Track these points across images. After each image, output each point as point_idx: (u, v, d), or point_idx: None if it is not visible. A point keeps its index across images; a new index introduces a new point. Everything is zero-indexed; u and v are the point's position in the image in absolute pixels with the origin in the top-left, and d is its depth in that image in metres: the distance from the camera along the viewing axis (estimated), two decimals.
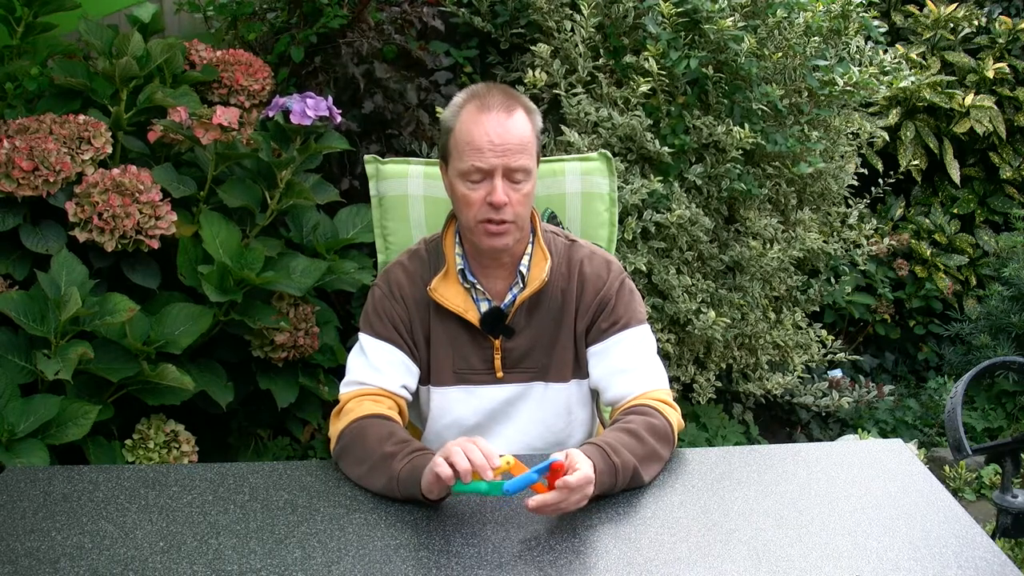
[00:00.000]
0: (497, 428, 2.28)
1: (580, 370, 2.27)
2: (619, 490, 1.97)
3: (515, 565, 1.71)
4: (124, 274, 2.98)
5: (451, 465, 1.81)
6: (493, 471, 1.81)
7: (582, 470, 1.84)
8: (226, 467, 2.08)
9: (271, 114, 3.13)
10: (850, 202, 4.33)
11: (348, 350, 2.29)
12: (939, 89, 4.84)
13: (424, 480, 1.88)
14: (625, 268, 2.33)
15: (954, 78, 4.96)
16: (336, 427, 2.13)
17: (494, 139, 2.07)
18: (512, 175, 2.10)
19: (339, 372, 2.31)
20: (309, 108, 3.07)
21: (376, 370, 2.19)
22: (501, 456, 1.84)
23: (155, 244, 2.91)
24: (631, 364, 2.20)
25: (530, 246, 2.24)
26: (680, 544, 1.77)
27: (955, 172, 4.93)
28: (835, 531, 1.82)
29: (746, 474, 2.04)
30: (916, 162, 4.82)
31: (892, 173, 4.61)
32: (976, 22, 5.03)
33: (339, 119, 3.16)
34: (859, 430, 4.27)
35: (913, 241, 4.95)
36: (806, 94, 3.95)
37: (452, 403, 2.26)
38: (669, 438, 2.10)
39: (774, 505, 1.91)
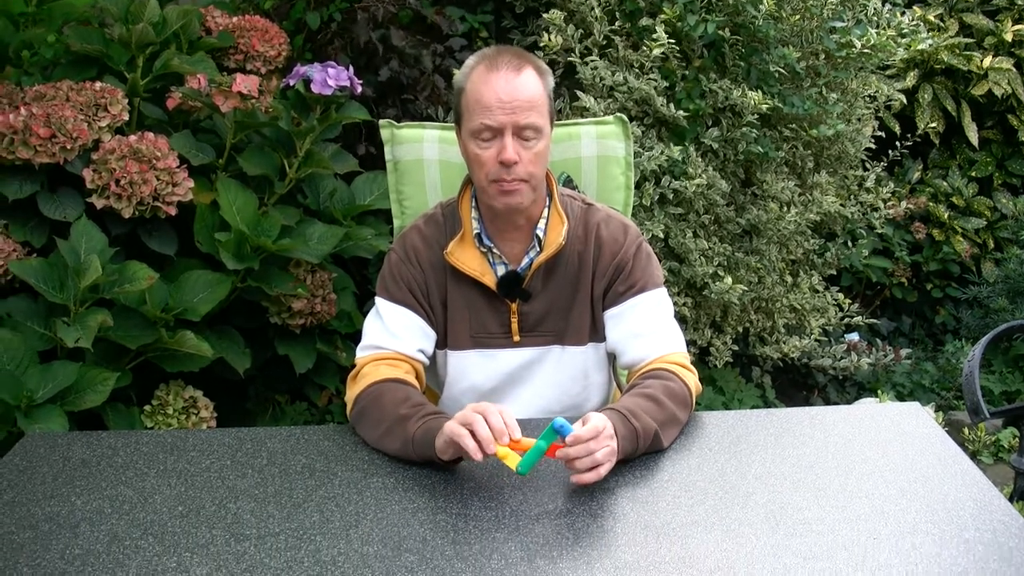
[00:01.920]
0: (514, 392, 2.27)
1: (597, 334, 2.26)
2: (640, 454, 1.96)
3: (532, 528, 1.70)
4: (141, 241, 2.98)
5: (471, 433, 1.80)
6: (517, 443, 1.80)
7: (592, 421, 1.82)
8: (244, 432, 2.08)
9: (292, 83, 3.10)
10: (867, 165, 4.31)
11: (365, 316, 2.27)
12: (957, 51, 4.79)
13: (439, 440, 1.87)
14: (642, 232, 2.31)
15: (972, 40, 4.91)
16: (353, 391, 2.13)
17: (502, 96, 2.04)
18: (522, 132, 2.06)
19: (356, 338, 2.30)
20: (330, 78, 3.05)
21: (393, 334, 2.17)
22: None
23: (172, 211, 2.90)
24: (648, 328, 2.19)
25: (546, 209, 2.21)
26: (697, 507, 1.76)
27: (973, 135, 4.89)
28: (852, 494, 1.80)
29: (763, 437, 2.03)
30: (934, 125, 4.79)
31: (909, 136, 4.58)
32: None
33: (359, 89, 3.13)
34: (877, 393, 4.26)
35: (930, 204, 4.92)
36: (823, 56, 3.90)
37: (469, 367, 2.25)
38: (687, 401, 2.09)
39: (791, 468, 1.90)
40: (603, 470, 1.83)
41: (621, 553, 1.63)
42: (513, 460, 1.78)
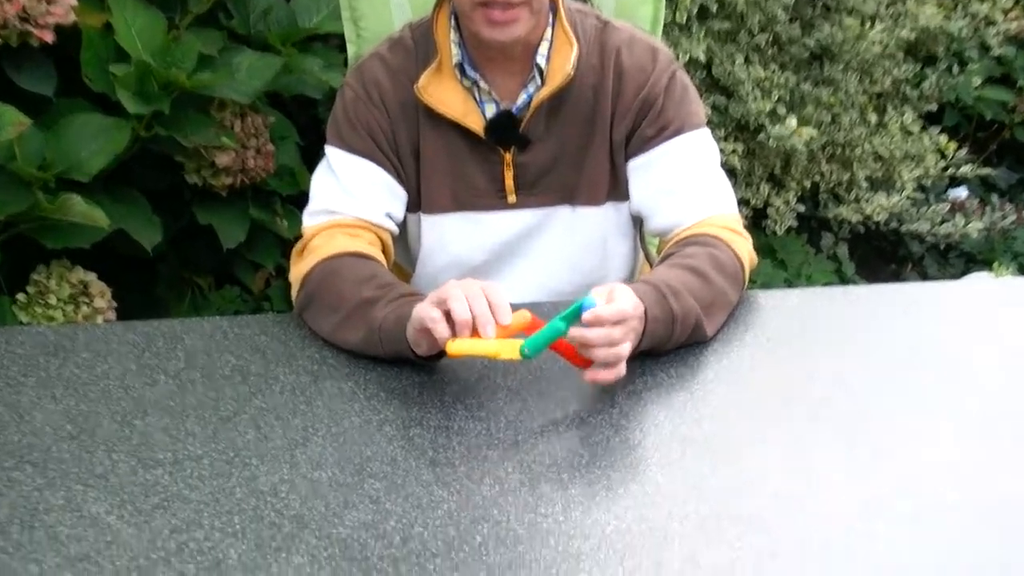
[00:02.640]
0: (509, 267, 2.26)
1: (618, 190, 2.23)
2: (673, 346, 1.95)
3: (535, 445, 1.69)
4: (7, 77, 2.93)
5: (447, 315, 1.77)
6: (505, 329, 1.77)
7: (619, 302, 1.79)
8: (154, 326, 2.07)
9: None
10: None
11: (312, 172, 2.24)
12: None
13: (409, 329, 1.85)
14: (677, 58, 2.28)
15: None
16: (300, 269, 2.10)
17: None
18: None
19: (301, 201, 2.29)
20: None
21: (350, 195, 2.15)
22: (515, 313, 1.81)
23: (48, 37, 2.83)
24: (686, 182, 2.16)
25: (549, 30, 2.16)
26: (751, 417, 1.76)
27: None
28: (957, 396, 1.80)
29: (839, 324, 2.03)
30: None
31: None
32: None
33: None
34: (992, 266, 4.26)
35: None
36: None
37: (451, 236, 2.24)
38: (739, 277, 2.07)
39: (876, 366, 1.90)
40: (623, 368, 1.81)
41: (652, 474, 1.63)
42: (510, 349, 1.73)
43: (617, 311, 1.77)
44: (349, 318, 1.97)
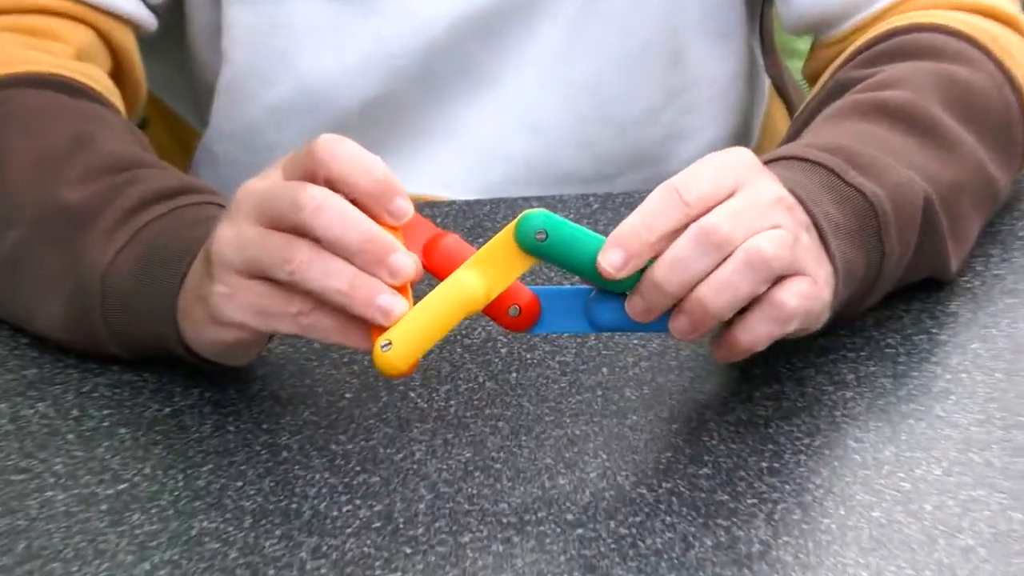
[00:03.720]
0: (444, 119, 1.80)
1: None
2: (876, 292, 1.41)
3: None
4: None
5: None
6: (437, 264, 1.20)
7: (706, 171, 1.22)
8: None
9: None
10: None
11: None
12: None
13: (195, 312, 1.28)
14: None
15: None
16: None
17: None
18: None
19: None
20: None
21: None
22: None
23: None
24: None
25: None
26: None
27: None
28: None
29: None
30: None
31: None
32: None
33: None
34: None
35: None
36: None
37: (298, 42, 1.75)
38: (1013, 130, 1.54)
39: None
40: (774, 328, 1.26)
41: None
42: (501, 266, 1.29)
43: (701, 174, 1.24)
44: (25, 253, 1.45)
